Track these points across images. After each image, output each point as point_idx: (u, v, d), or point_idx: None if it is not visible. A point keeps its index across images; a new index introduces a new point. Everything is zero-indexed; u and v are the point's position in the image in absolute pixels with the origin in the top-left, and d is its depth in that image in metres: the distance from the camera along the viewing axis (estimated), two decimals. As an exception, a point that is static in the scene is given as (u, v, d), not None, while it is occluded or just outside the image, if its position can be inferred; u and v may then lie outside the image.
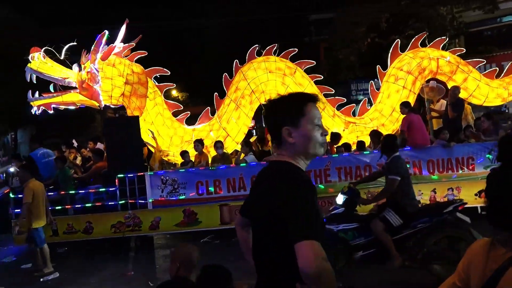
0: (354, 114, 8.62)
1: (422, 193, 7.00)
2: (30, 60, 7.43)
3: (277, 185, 1.55)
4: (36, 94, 7.62)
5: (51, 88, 7.81)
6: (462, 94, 8.14)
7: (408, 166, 6.94)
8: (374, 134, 7.43)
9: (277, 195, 1.51)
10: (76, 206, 7.07)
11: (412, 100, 8.17)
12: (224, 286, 2.53)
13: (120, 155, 7.07)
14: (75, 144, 9.76)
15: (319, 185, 7.03)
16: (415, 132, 6.99)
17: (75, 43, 7.48)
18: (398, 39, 8.48)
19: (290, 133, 1.61)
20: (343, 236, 4.46)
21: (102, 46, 7.26)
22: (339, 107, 8.71)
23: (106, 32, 7.32)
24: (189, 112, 8.78)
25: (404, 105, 7.20)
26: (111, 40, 7.50)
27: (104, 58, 7.62)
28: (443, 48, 8.31)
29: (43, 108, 7.61)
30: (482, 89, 7.99)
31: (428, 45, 8.33)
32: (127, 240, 7.04)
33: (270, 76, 8.07)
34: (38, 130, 24.57)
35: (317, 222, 1.48)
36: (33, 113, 7.62)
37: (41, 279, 5.64)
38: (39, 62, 7.40)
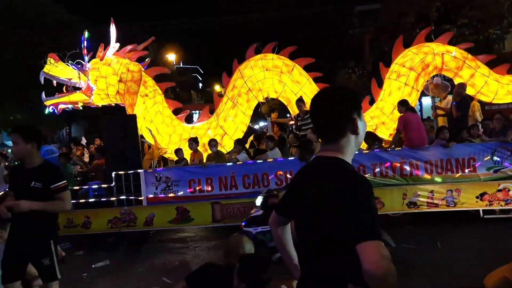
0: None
1: (419, 195, 6.75)
2: (44, 64, 7.81)
3: (333, 184, 1.44)
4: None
5: (64, 89, 8.17)
6: (470, 91, 7.75)
7: (404, 166, 6.79)
8: (368, 136, 7.21)
9: (335, 193, 1.41)
10: (76, 201, 7.35)
11: (415, 97, 7.87)
12: (261, 274, 2.63)
13: (117, 153, 7.28)
14: (84, 141, 10.15)
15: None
16: (412, 131, 6.73)
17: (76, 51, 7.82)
18: (402, 34, 8.10)
19: (357, 124, 1.56)
20: (261, 238, 4.68)
21: (84, 45, 7.52)
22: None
23: (86, 31, 7.58)
24: (188, 110, 8.88)
25: (401, 104, 6.93)
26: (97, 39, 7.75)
27: (102, 58, 7.89)
28: (450, 43, 7.91)
29: (53, 107, 7.97)
30: (490, 85, 7.55)
31: (434, 40, 7.95)
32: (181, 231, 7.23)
33: (267, 74, 8.00)
34: (90, 125, 25.79)
35: (378, 221, 1.41)
36: (46, 112, 8.01)
37: (93, 266, 5.88)
38: (51, 66, 7.74)
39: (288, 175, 6.92)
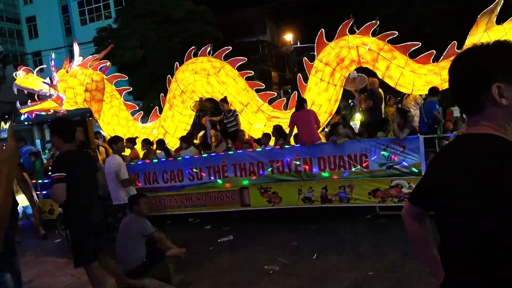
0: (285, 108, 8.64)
1: (313, 190, 6.94)
2: (16, 76, 9.48)
3: (498, 166, 1.13)
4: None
5: (36, 97, 9.81)
6: (389, 83, 7.53)
7: (298, 163, 7.03)
8: (276, 129, 7.53)
9: (502, 179, 1.11)
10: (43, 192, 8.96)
11: (332, 92, 7.84)
12: None
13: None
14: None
15: (218, 180, 7.51)
16: (300, 128, 6.92)
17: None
18: (322, 29, 7.99)
19: (502, 93, 1.19)
20: None
21: (52, 63, 8.91)
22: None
23: (53, 53, 8.94)
24: (142, 112, 9.95)
25: (298, 101, 7.11)
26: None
27: (68, 71, 9.30)
28: (373, 34, 7.66)
29: (28, 114, 9.64)
30: (406, 76, 7.21)
31: (357, 31, 7.78)
32: (295, 211, 7.13)
33: (196, 76, 8.65)
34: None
35: None
36: (22, 119, 9.74)
37: (219, 240, 6.29)
38: (22, 78, 9.39)
39: (197, 170, 7.60)
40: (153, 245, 4.67)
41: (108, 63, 9.87)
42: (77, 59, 9.38)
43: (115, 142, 6.16)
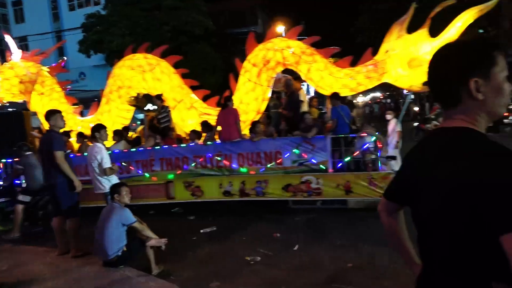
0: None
1: (232, 184, 7.34)
2: None
3: (469, 160, 1.16)
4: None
5: None
6: (311, 84, 7.99)
7: (220, 158, 7.39)
8: (203, 125, 7.90)
9: (473, 173, 1.13)
10: None
11: (260, 92, 8.22)
12: None
13: (6, 143, 8.80)
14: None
15: (145, 174, 7.80)
16: (221, 126, 7.29)
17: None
18: (252, 32, 8.38)
19: (479, 87, 1.24)
20: None
21: None
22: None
23: None
24: (82, 105, 10.12)
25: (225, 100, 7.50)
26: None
27: (7, 63, 9.37)
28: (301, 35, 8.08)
29: None
30: (325, 79, 7.66)
31: (285, 34, 8.17)
32: (279, 203, 7.19)
33: (132, 72, 8.89)
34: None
35: None
36: None
37: (201, 231, 6.29)
38: None
39: (126, 164, 7.87)
40: (134, 235, 4.67)
41: (64, 58, 10.02)
42: (15, 51, 9.44)
43: (98, 130, 5.76)
